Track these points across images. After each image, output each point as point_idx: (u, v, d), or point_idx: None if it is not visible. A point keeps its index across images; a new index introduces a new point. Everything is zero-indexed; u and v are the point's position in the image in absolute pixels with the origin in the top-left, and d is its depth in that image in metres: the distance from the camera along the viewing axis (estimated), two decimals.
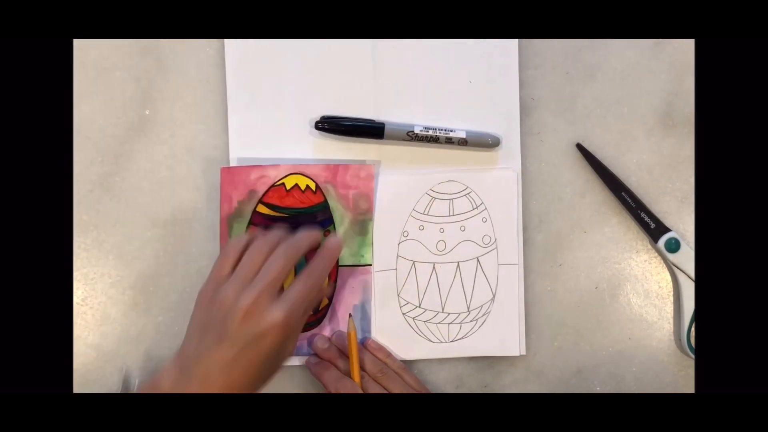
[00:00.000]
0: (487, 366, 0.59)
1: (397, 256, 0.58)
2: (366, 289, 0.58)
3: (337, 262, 0.58)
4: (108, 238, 0.58)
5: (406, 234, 0.58)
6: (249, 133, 0.58)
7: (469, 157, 0.58)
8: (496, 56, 0.58)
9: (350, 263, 0.58)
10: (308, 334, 0.58)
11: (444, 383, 0.59)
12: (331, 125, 0.57)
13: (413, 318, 0.58)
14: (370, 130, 0.57)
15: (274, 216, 0.57)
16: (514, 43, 0.58)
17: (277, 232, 0.53)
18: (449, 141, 0.57)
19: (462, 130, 0.57)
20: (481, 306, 0.58)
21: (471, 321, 0.58)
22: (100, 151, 0.58)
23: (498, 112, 0.58)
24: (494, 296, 0.58)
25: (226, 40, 0.57)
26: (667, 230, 0.58)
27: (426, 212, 0.58)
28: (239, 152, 0.57)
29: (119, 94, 0.58)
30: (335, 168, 0.57)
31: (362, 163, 0.58)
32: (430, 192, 0.58)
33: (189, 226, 0.58)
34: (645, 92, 0.59)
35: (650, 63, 0.59)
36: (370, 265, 0.58)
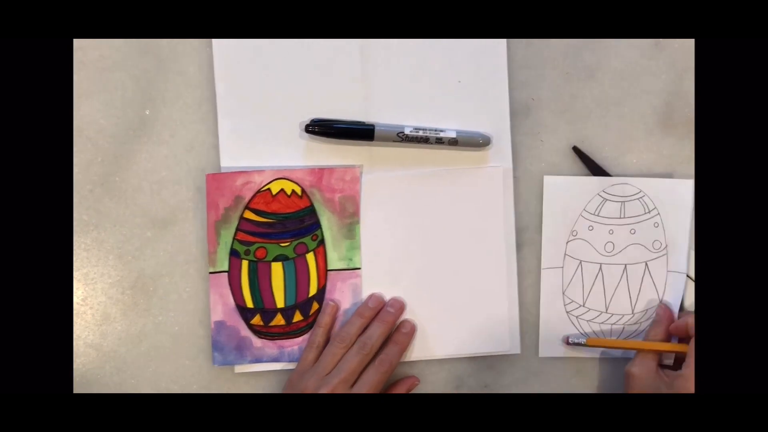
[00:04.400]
0: (487, 366, 0.59)
1: (565, 254, 0.58)
2: (355, 293, 0.58)
3: (326, 265, 0.58)
4: (108, 238, 0.58)
5: (575, 233, 0.58)
6: (239, 138, 0.57)
7: (460, 156, 0.58)
8: (485, 56, 0.58)
9: (339, 267, 0.58)
10: (299, 340, 0.58)
11: (444, 383, 0.59)
12: (321, 128, 0.56)
13: (577, 317, 0.58)
14: (360, 132, 0.57)
15: (261, 222, 0.57)
16: (502, 41, 0.58)
17: (351, 329, 0.56)
18: (439, 141, 0.57)
19: (452, 130, 0.57)
20: (646, 311, 0.58)
21: (634, 324, 0.58)
22: (100, 151, 0.58)
23: (488, 112, 0.58)
24: (661, 302, 0.58)
25: (214, 42, 0.57)
26: None
27: (597, 213, 0.58)
28: (230, 157, 0.57)
29: (119, 94, 0.58)
30: (320, 172, 0.57)
31: (351, 166, 0.58)
32: (603, 193, 0.58)
33: (189, 226, 0.58)
34: (645, 92, 0.59)
35: (650, 63, 0.59)
36: (359, 268, 0.58)
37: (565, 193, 0.58)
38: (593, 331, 0.58)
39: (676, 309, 0.57)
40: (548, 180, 0.58)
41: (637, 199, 0.58)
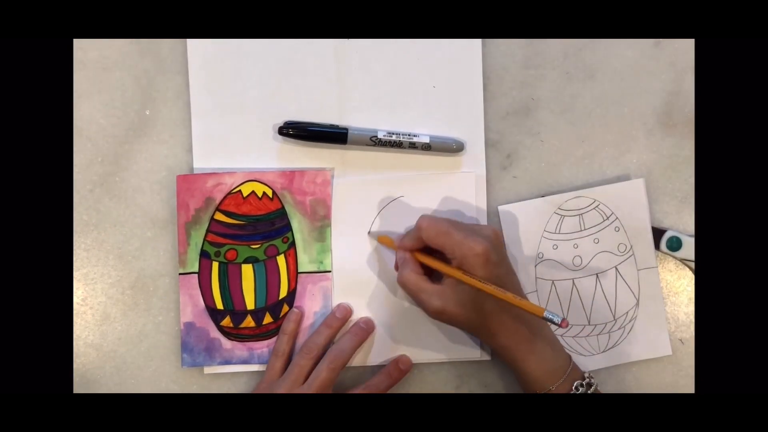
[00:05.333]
0: (487, 366, 0.59)
1: (536, 278, 0.58)
2: (326, 295, 0.58)
3: (296, 268, 0.58)
4: (108, 238, 0.58)
5: (541, 255, 0.58)
6: (213, 140, 0.57)
7: (433, 161, 0.58)
8: (461, 61, 0.58)
9: (309, 270, 0.58)
10: (269, 342, 0.58)
11: (444, 383, 0.59)
12: (295, 130, 0.56)
13: (561, 335, 0.58)
14: (333, 135, 0.57)
15: (231, 223, 0.57)
16: (477, 46, 0.58)
17: (318, 339, 0.56)
18: (413, 146, 0.57)
19: (426, 135, 0.57)
20: (627, 313, 0.58)
21: (619, 329, 0.58)
22: (100, 151, 0.58)
23: (463, 117, 0.58)
24: (638, 301, 0.58)
25: (189, 42, 0.57)
26: (664, 230, 0.58)
27: (557, 231, 0.58)
28: (203, 159, 0.57)
29: (119, 94, 0.58)
30: (291, 174, 0.57)
31: (321, 169, 0.58)
32: (559, 211, 0.58)
33: None
34: (645, 92, 0.59)
35: (650, 63, 0.59)
36: (330, 271, 0.58)
37: (522, 218, 0.58)
38: (581, 346, 0.58)
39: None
40: (502, 209, 0.58)
41: (593, 208, 0.58)
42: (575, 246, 0.58)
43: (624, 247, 0.58)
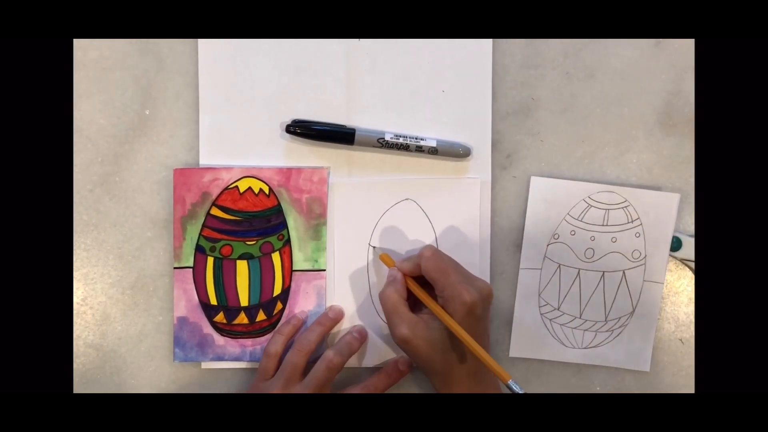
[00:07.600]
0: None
1: (544, 257, 0.58)
2: (320, 294, 0.58)
3: (291, 266, 0.58)
4: (108, 238, 0.58)
5: (556, 236, 0.58)
6: (220, 137, 0.57)
7: (440, 166, 0.58)
8: (471, 66, 0.58)
9: (304, 268, 0.58)
10: (262, 339, 0.58)
11: None
12: (302, 129, 0.56)
13: (550, 320, 0.58)
14: (340, 135, 0.57)
15: (227, 219, 0.57)
16: (488, 48, 0.58)
17: (311, 336, 0.56)
18: (420, 149, 0.57)
19: (433, 139, 0.57)
20: (619, 318, 0.58)
21: (606, 331, 0.58)
22: (100, 151, 0.58)
23: (471, 123, 0.58)
24: (634, 311, 0.58)
25: (200, 42, 0.57)
26: None
27: (580, 218, 0.58)
28: (210, 155, 0.57)
29: (119, 94, 0.58)
30: (288, 172, 0.57)
31: (318, 167, 0.57)
32: (588, 199, 0.58)
33: None
34: (645, 92, 0.59)
35: (650, 63, 0.59)
36: (324, 270, 0.58)
37: (551, 195, 0.58)
38: (565, 336, 0.58)
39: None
40: (535, 181, 0.58)
41: (622, 208, 0.58)
42: (592, 238, 0.58)
43: (638, 254, 0.58)
